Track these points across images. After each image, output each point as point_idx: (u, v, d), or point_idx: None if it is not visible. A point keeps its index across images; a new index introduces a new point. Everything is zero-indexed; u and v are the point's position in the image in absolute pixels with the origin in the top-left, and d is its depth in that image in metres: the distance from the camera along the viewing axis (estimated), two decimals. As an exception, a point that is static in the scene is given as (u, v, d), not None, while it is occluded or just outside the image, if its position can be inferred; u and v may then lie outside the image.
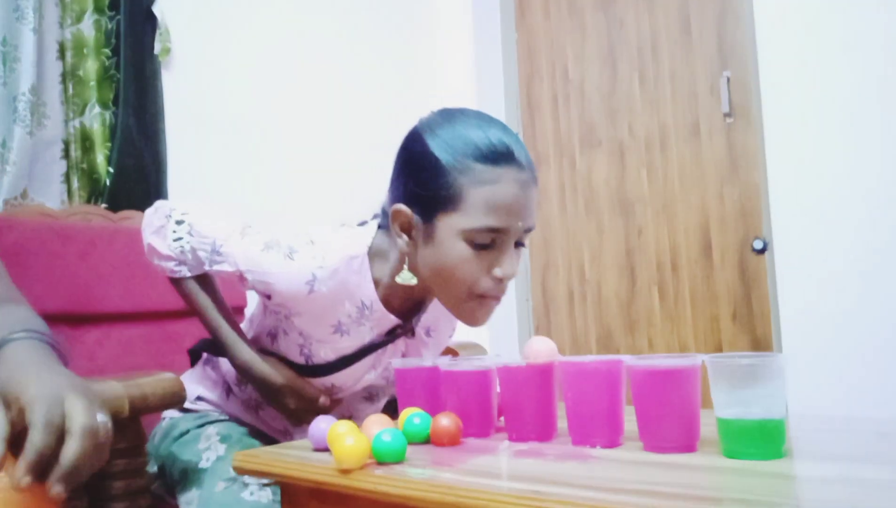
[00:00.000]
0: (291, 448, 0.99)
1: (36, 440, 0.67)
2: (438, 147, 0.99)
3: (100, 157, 1.86)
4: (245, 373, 1.15)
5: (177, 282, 1.20)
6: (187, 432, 1.22)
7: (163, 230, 1.17)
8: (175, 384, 1.08)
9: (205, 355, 1.30)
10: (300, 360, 1.15)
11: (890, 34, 2.00)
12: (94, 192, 1.87)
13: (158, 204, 1.21)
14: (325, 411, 1.15)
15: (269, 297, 1.10)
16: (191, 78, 2.12)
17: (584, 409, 0.86)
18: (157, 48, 2.01)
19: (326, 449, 0.89)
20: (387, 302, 1.10)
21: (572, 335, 2.75)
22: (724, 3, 2.42)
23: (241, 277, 1.10)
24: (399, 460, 0.84)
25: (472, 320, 1.05)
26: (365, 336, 1.12)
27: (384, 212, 1.10)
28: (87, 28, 1.89)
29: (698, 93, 2.46)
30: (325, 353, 1.12)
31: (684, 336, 2.48)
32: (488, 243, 0.98)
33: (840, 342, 2.04)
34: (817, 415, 1.03)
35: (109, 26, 1.93)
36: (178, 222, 1.15)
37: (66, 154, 1.89)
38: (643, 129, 2.59)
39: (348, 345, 1.12)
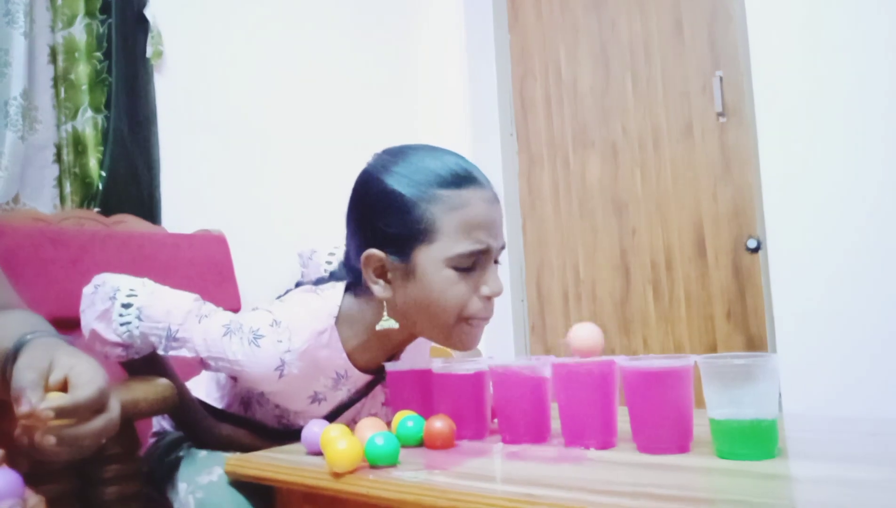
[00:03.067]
0: (284, 452, 0.99)
1: (83, 395, 0.70)
2: (399, 183, 0.98)
3: (92, 161, 1.86)
4: (189, 429, 1.14)
5: (129, 368, 1.11)
6: (178, 442, 1.20)
7: (107, 314, 1.06)
8: (167, 389, 1.08)
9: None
10: (278, 427, 1.12)
11: (882, 33, 2.00)
12: (87, 197, 1.86)
13: (98, 281, 1.11)
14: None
15: (235, 380, 1.08)
16: (183, 81, 2.11)
17: (578, 411, 0.86)
18: (149, 51, 2.01)
19: (320, 453, 0.89)
20: (360, 365, 1.08)
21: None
22: (715, 2, 2.42)
23: (202, 362, 1.05)
24: (392, 463, 0.84)
25: (465, 344, 1.03)
26: (342, 397, 1.10)
27: (347, 269, 1.07)
28: (79, 32, 1.88)
29: (691, 93, 2.47)
30: (303, 421, 1.05)
31: (679, 335, 2.48)
32: (471, 266, 0.98)
33: (834, 341, 2.04)
34: (810, 415, 1.04)
35: (101, 30, 1.92)
36: (125, 306, 1.06)
37: (59, 158, 1.88)
38: (636, 129, 2.59)
39: (327, 410, 1.10)
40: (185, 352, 1.04)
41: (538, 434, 0.92)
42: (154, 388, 1.07)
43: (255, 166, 2.28)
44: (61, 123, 1.88)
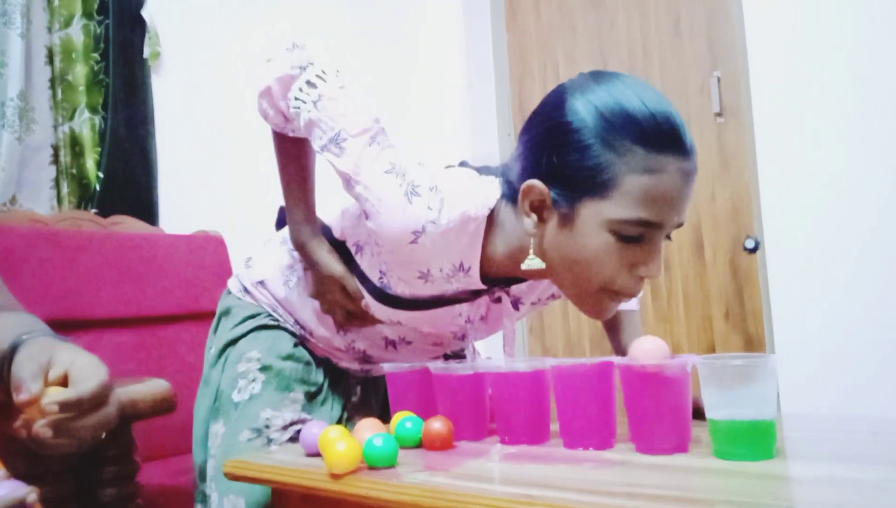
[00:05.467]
0: (283, 453, 0.99)
1: (85, 389, 0.71)
2: (592, 119, 0.85)
3: (89, 162, 1.86)
4: (301, 249, 1.12)
5: (277, 135, 1.10)
6: (238, 330, 1.19)
7: (289, 81, 1.02)
8: (166, 391, 1.08)
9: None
10: (376, 282, 1.07)
11: (879, 32, 2.01)
12: (84, 198, 1.86)
13: (299, 43, 1.05)
14: (362, 316, 1.11)
15: (367, 217, 0.98)
16: (181, 81, 2.11)
17: (576, 412, 0.86)
18: (147, 52, 2.01)
19: (318, 455, 0.89)
20: (485, 272, 1.01)
21: (566, 335, 2.75)
22: (713, 3, 2.42)
23: (347, 180, 0.99)
24: (391, 464, 0.84)
25: (597, 313, 0.95)
26: (448, 290, 1.04)
27: (507, 182, 0.98)
28: (76, 33, 1.88)
29: (689, 93, 2.47)
30: (401, 289, 1.04)
31: (677, 335, 2.48)
32: (636, 236, 0.86)
33: (833, 340, 2.04)
34: (809, 414, 1.03)
35: (98, 31, 1.92)
36: (310, 84, 1.00)
37: (56, 159, 1.88)
38: (634, 129, 2.59)
39: (427, 292, 1.04)
40: (339, 163, 0.98)
41: (537, 435, 0.91)
42: (152, 390, 1.07)
43: (254, 167, 2.27)
44: (58, 124, 1.87)
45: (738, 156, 2.36)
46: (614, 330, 1.27)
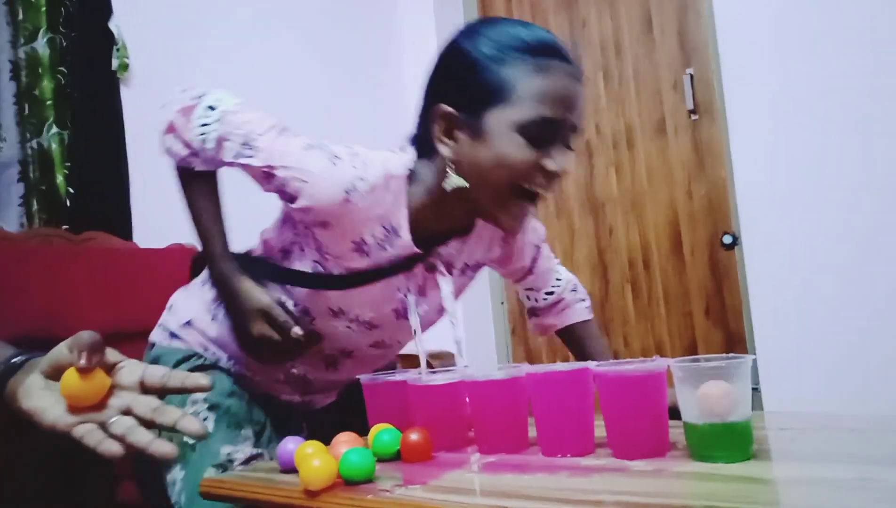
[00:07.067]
0: (258, 470, 0.97)
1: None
2: (483, 44, 0.97)
3: (59, 178, 1.83)
4: (223, 285, 1.09)
5: (183, 174, 1.13)
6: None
7: (190, 110, 1.07)
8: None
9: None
10: (312, 273, 1.10)
11: (849, 29, 2.02)
12: (55, 214, 1.83)
13: (186, 89, 1.11)
14: (296, 347, 1.06)
15: (293, 200, 1.03)
16: (151, 93, 2.08)
17: (553, 418, 0.85)
18: (115, 64, 1.98)
19: (294, 470, 0.88)
20: (414, 231, 1.06)
21: (548, 337, 2.74)
22: (684, 1, 2.43)
23: (266, 175, 1.03)
24: (368, 478, 0.83)
25: (511, 223, 1.02)
26: (384, 259, 1.08)
27: (417, 138, 1.07)
28: (41, 47, 1.85)
29: (662, 91, 2.48)
30: (338, 271, 1.08)
31: (659, 333, 2.49)
32: (541, 135, 0.95)
33: (812, 335, 2.06)
34: (788, 412, 1.03)
35: (64, 44, 1.89)
36: (210, 107, 1.06)
37: (25, 175, 1.85)
38: (609, 128, 2.60)
39: (364, 264, 1.08)
40: (254, 161, 1.03)
41: (515, 443, 0.91)
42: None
43: (228, 177, 2.25)
44: (26, 140, 1.84)
45: (713, 153, 2.37)
46: (576, 342, 1.34)
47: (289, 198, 1.04)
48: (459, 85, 0.99)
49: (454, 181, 1.00)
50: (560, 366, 0.86)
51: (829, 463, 0.72)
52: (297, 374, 1.18)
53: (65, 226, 1.80)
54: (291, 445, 0.92)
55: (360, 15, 2.82)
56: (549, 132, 0.96)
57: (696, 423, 0.75)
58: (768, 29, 2.16)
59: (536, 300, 1.35)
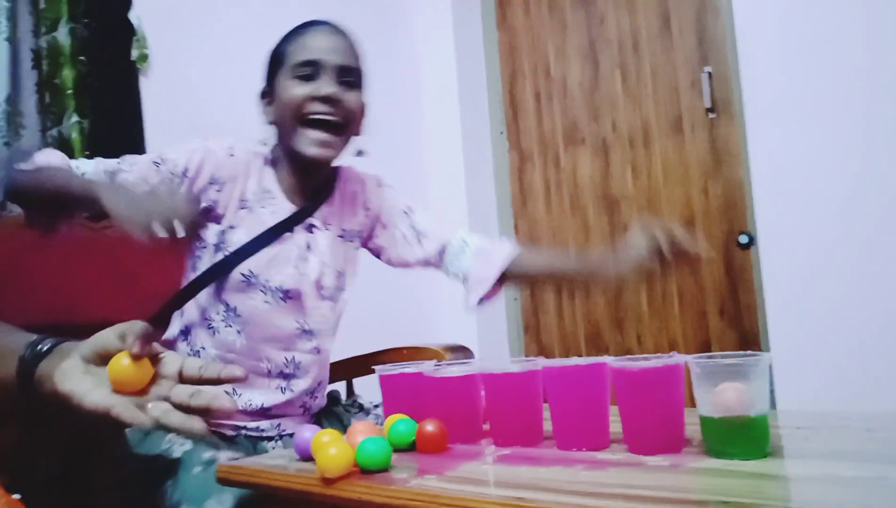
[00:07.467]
0: (275, 457, 0.98)
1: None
2: (279, 41, 1.30)
3: (79, 167, 1.84)
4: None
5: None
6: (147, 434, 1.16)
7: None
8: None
9: (175, 325, 1.31)
10: (218, 258, 1.25)
11: (868, 27, 2.01)
12: (74, 202, 1.85)
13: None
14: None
15: (185, 173, 1.22)
16: (169, 84, 2.10)
17: (569, 412, 0.86)
18: (134, 55, 1.99)
19: (311, 458, 0.88)
20: (286, 188, 1.29)
21: (561, 333, 2.75)
22: (703, -2, 2.42)
23: (153, 163, 1.22)
24: (384, 468, 0.83)
25: (308, 147, 1.22)
26: (266, 217, 1.26)
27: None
28: (63, 36, 1.86)
29: (680, 89, 2.47)
30: (237, 238, 1.24)
31: (672, 332, 2.48)
32: (309, 74, 1.22)
33: (827, 335, 2.04)
34: (804, 411, 1.03)
35: (85, 34, 1.90)
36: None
37: (44, 165, 1.86)
38: (626, 126, 2.59)
39: (254, 224, 1.25)
40: (137, 168, 1.23)
41: (530, 436, 0.91)
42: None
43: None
44: (47, 129, 1.86)
45: (731, 152, 2.36)
46: (531, 269, 1.37)
47: (181, 173, 1.23)
48: (268, 70, 1.30)
49: (270, 134, 1.29)
50: (577, 360, 0.86)
51: (844, 462, 0.72)
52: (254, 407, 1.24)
53: (85, 215, 1.82)
54: (308, 433, 0.93)
55: (376, 4, 2.82)
56: (314, 70, 1.23)
57: (713, 419, 0.75)
58: (788, 27, 2.14)
59: (458, 265, 1.36)
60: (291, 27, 1.32)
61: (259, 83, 1.32)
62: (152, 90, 2.04)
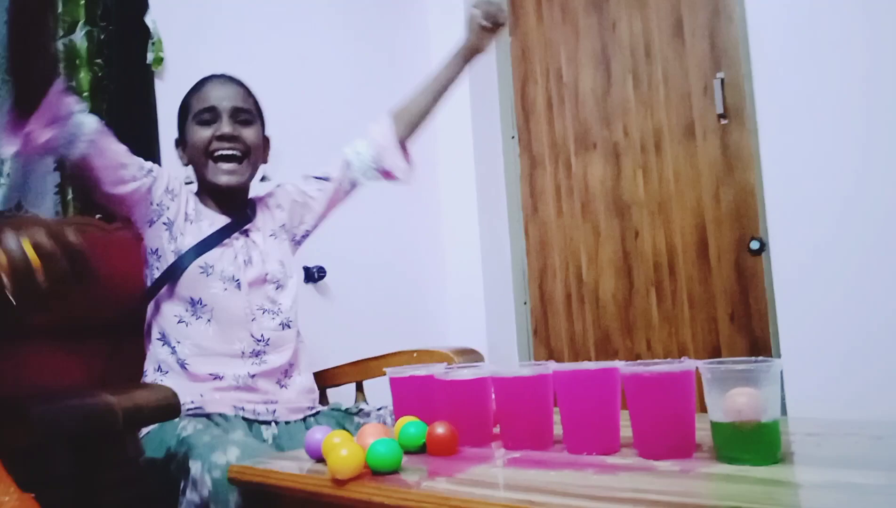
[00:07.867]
0: (286, 458, 0.99)
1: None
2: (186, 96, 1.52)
3: (94, 168, 1.85)
4: None
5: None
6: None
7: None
8: (169, 395, 1.08)
9: (153, 333, 1.43)
10: (171, 259, 1.41)
11: (883, 33, 2.00)
12: (89, 203, 1.86)
13: None
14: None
15: (150, 172, 1.41)
16: (185, 87, 2.11)
17: (580, 416, 0.86)
18: (150, 58, 2.01)
19: (322, 460, 0.89)
20: (218, 208, 1.50)
21: (570, 338, 2.74)
22: (715, 4, 2.42)
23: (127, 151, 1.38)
24: (394, 469, 0.84)
25: (219, 177, 1.45)
26: (205, 228, 1.44)
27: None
28: (79, 39, 1.88)
29: (692, 95, 2.46)
30: (187, 242, 1.41)
31: (683, 337, 2.48)
32: (209, 119, 1.45)
33: (838, 342, 2.03)
34: (814, 418, 1.03)
35: (102, 37, 1.92)
36: None
37: (60, 165, 1.88)
38: (638, 131, 2.59)
39: (198, 231, 1.43)
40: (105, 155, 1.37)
41: (540, 439, 0.91)
42: (156, 394, 1.07)
43: (260, 168, 2.27)
44: (63, 130, 1.87)
45: (742, 158, 2.35)
46: (407, 114, 1.78)
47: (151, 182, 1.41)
48: (178, 121, 1.53)
49: (189, 174, 1.50)
50: (588, 365, 0.86)
51: (854, 469, 0.72)
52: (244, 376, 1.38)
53: (98, 215, 1.83)
54: (319, 435, 0.93)
55: (388, 8, 2.83)
56: (212, 115, 1.45)
57: (724, 424, 0.75)
58: (800, 33, 2.14)
59: (362, 159, 1.66)
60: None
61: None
62: (167, 93, 2.05)
